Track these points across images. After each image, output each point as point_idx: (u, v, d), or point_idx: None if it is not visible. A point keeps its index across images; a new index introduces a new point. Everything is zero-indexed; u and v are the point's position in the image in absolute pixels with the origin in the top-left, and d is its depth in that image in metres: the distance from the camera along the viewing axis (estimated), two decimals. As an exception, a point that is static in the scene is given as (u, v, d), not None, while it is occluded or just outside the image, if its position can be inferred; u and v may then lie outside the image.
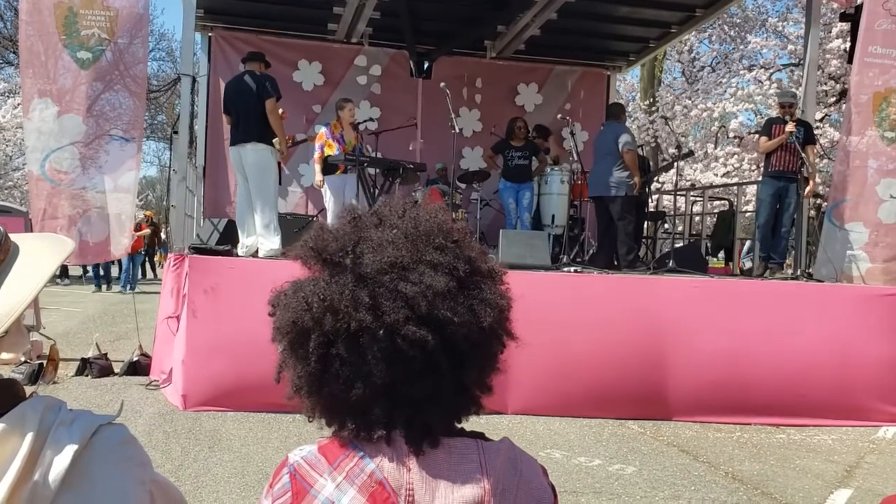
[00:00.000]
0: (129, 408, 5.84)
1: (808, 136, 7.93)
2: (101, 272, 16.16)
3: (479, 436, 1.13)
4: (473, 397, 1.15)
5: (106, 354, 7.09)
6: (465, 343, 1.07)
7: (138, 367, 6.98)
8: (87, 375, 6.77)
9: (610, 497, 4.35)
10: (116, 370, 6.96)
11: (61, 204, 6.85)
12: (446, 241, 1.10)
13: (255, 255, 7.07)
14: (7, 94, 24.61)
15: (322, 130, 8.47)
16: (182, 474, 4.37)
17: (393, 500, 1.03)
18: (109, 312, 11.91)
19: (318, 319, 1.03)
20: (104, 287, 16.12)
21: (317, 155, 8.26)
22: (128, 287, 14.70)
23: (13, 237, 1.13)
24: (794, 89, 9.11)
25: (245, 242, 7.13)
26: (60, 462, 0.96)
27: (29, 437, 0.96)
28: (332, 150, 8.10)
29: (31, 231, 6.88)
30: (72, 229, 6.78)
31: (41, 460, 0.96)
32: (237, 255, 6.99)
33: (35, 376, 6.30)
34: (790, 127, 7.72)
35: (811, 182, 7.98)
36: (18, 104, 19.93)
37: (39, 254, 1.12)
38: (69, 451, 0.97)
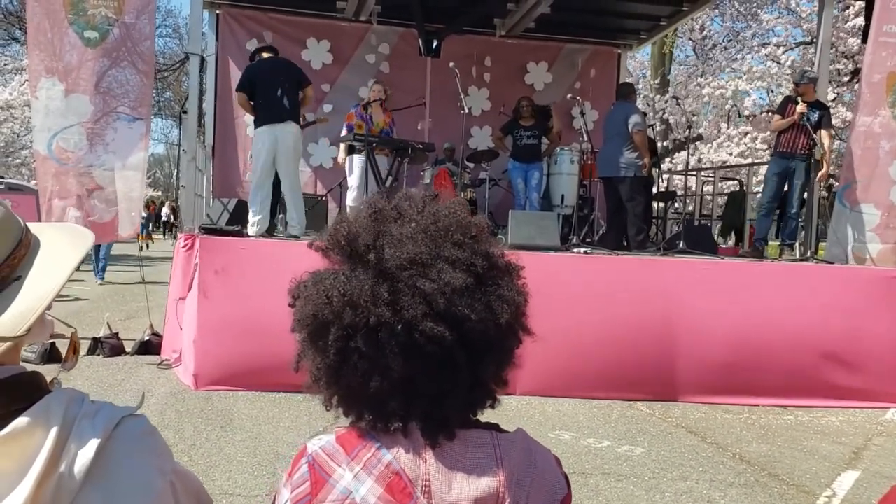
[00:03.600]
0: (142, 387, 5.89)
1: (823, 119, 7.87)
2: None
3: (494, 427, 1.15)
4: (489, 391, 1.16)
5: (117, 334, 7.13)
6: (481, 339, 1.08)
7: (149, 347, 7.03)
8: (98, 355, 6.82)
9: (618, 478, 4.38)
10: (128, 349, 7.01)
11: (69, 182, 6.86)
12: (465, 236, 1.11)
13: (266, 233, 7.12)
14: (14, 71, 24.57)
15: (352, 111, 8.58)
16: (195, 454, 4.42)
17: (410, 490, 1.04)
18: (120, 291, 11.97)
19: (337, 313, 1.04)
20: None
21: (343, 133, 8.34)
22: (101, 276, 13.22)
23: (32, 228, 1.14)
24: (808, 68, 9.00)
25: (253, 220, 7.15)
26: (85, 454, 0.97)
27: (54, 430, 0.97)
28: (362, 131, 8.22)
29: (41, 209, 6.93)
30: (80, 209, 6.80)
31: (66, 453, 0.97)
32: (248, 235, 7.01)
33: (47, 356, 6.36)
34: (801, 108, 7.67)
35: (825, 166, 7.94)
36: (25, 82, 19.93)
37: (61, 247, 1.13)
38: (93, 443, 0.98)
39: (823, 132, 7.85)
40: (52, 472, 0.96)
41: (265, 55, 7.55)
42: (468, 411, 1.14)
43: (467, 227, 1.13)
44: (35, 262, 1.09)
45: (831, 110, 8.51)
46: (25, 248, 1.09)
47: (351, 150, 8.24)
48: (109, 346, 6.89)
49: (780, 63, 16.72)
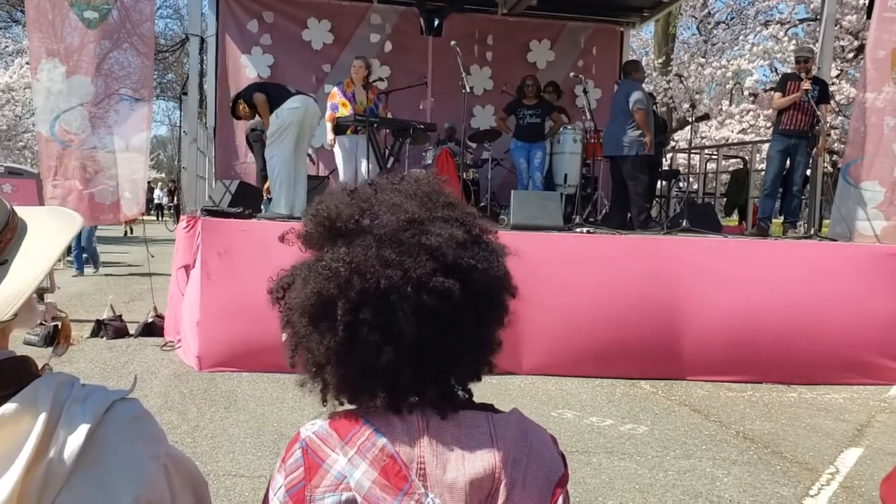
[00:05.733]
0: (146, 369, 5.91)
1: (822, 94, 7.82)
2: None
3: (489, 408, 1.14)
4: (490, 353, 1.16)
5: (121, 316, 7.15)
6: (485, 293, 1.09)
7: (153, 329, 7.05)
8: (102, 337, 6.84)
9: (622, 456, 4.39)
10: (131, 331, 7.03)
11: (71, 164, 6.85)
12: (448, 199, 1.14)
13: (254, 213, 7.11)
14: (15, 54, 24.50)
15: (334, 89, 8.42)
16: (198, 435, 4.43)
17: (405, 473, 1.03)
18: (123, 273, 11.99)
19: (344, 285, 1.03)
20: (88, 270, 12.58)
21: (328, 114, 8.20)
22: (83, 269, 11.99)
23: (20, 212, 1.13)
24: (811, 45, 8.94)
25: (290, 201, 7.20)
26: (75, 440, 0.96)
27: (42, 415, 0.96)
28: (347, 110, 8.06)
29: (43, 190, 6.92)
30: (83, 191, 6.79)
31: (55, 438, 0.96)
32: (277, 216, 6.99)
33: (50, 338, 6.36)
34: (806, 85, 7.61)
35: (821, 140, 7.90)
36: (26, 64, 19.88)
37: (48, 230, 1.11)
38: (83, 428, 0.97)
39: (823, 106, 7.81)
40: (42, 458, 0.94)
41: None
42: (474, 375, 1.15)
43: (446, 193, 1.16)
44: (21, 246, 1.07)
45: (834, 87, 8.44)
46: (11, 232, 1.07)
47: (338, 131, 8.12)
48: (113, 329, 6.91)
49: (782, 41, 16.57)
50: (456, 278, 1.04)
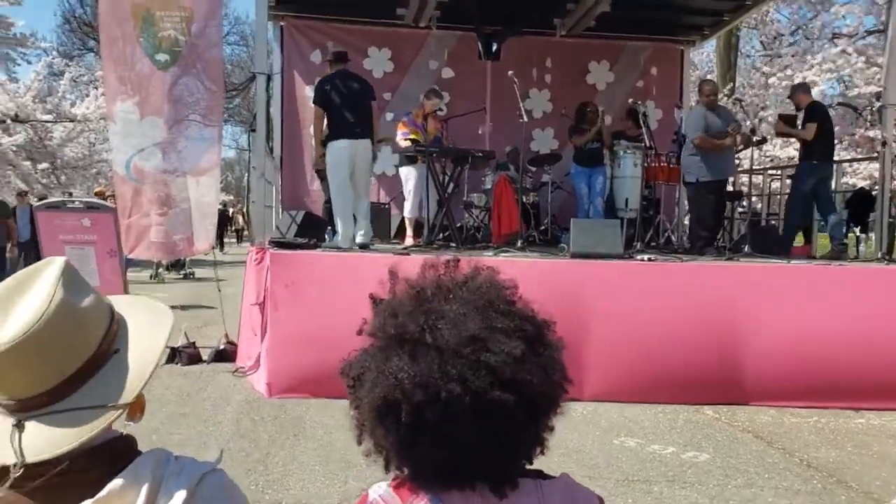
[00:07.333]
0: (219, 395, 6.15)
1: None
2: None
3: (538, 474, 1.24)
4: (543, 440, 1.25)
5: (194, 343, 7.44)
6: (540, 398, 1.18)
7: (224, 355, 7.32)
8: (177, 363, 7.13)
9: (683, 485, 4.41)
10: (204, 357, 7.31)
11: (146, 199, 7.12)
12: (507, 304, 1.21)
13: (317, 244, 7.38)
14: (90, 83, 25.48)
15: (404, 118, 8.82)
16: (270, 462, 4.61)
17: None
18: (196, 298, 12.37)
19: (408, 394, 1.13)
20: None
21: (399, 139, 8.68)
22: None
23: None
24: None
25: (348, 234, 7.45)
26: None
27: (144, 489, 1.10)
28: (420, 138, 8.41)
29: (119, 228, 7.23)
30: (159, 226, 7.08)
31: None
32: (335, 247, 7.26)
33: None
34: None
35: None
36: (101, 96, 20.70)
37: (143, 319, 1.27)
38: (179, 500, 1.11)
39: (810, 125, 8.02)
40: None
41: (336, 66, 7.74)
42: (526, 462, 1.24)
43: (506, 294, 1.22)
44: (129, 335, 1.23)
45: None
46: (117, 324, 1.23)
47: (405, 161, 8.40)
48: (187, 355, 7.20)
49: (851, 55, 16.16)
50: (512, 391, 1.12)
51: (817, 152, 8.07)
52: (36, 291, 1.14)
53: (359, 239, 7.50)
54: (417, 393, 1.12)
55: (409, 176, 8.60)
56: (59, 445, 1.10)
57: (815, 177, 8.07)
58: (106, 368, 1.18)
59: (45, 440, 1.11)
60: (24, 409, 1.13)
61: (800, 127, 8.11)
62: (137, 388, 1.17)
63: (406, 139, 8.54)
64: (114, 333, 1.21)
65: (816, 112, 8.16)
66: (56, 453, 1.10)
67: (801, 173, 8.29)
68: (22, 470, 1.08)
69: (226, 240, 30.72)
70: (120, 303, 1.29)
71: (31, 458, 1.09)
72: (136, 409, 1.26)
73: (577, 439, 5.17)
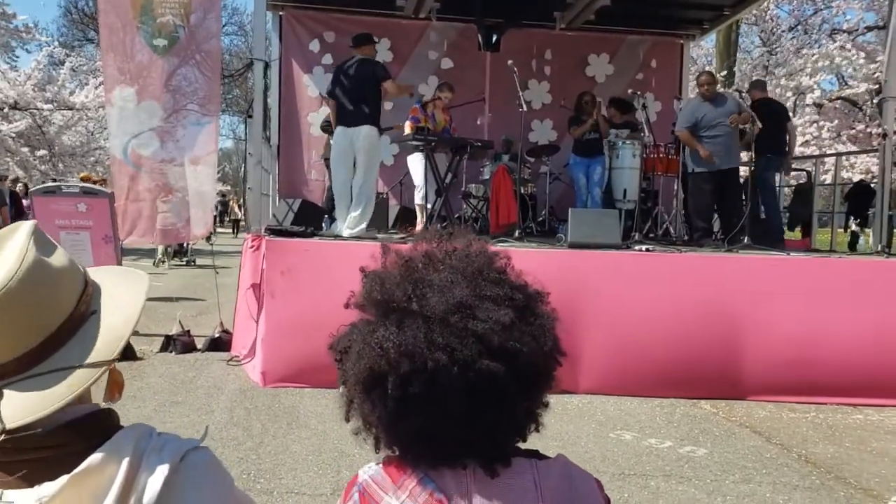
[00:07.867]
0: (212, 384, 6.10)
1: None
2: None
3: (534, 454, 1.19)
4: (536, 416, 1.21)
5: (189, 331, 7.39)
6: (531, 369, 1.13)
7: (219, 343, 7.27)
8: (171, 351, 7.08)
9: (679, 480, 4.37)
10: (198, 346, 7.26)
11: (143, 186, 7.12)
12: (497, 272, 1.17)
13: (314, 232, 7.33)
14: (89, 72, 25.48)
15: (416, 105, 8.90)
16: (262, 451, 4.57)
17: None
18: (191, 287, 12.32)
19: (394, 364, 1.09)
20: None
21: (409, 123, 8.75)
22: None
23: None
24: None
25: (350, 220, 7.41)
26: (153, 486, 1.07)
27: (124, 464, 1.06)
28: (429, 125, 8.54)
29: (115, 211, 7.20)
30: (155, 212, 7.05)
31: (136, 485, 1.06)
32: (333, 236, 7.21)
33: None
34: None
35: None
36: (99, 84, 20.70)
37: (118, 282, 1.24)
38: (161, 475, 1.07)
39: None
40: (124, 503, 1.05)
41: (358, 51, 7.69)
42: (520, 438, 1.20)
43: (496, 263, 1.19)
44: (102, 298, 1.19)
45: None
46: (92, 287, 1.19)
47: (413, 149, 8.42)
48: (181, 343, 7.15)
49: (850, 51, 16.12)
50: (501, 361, 1.09)
51: (769, 146, 8.34)
52: (7, 252, 1.10)
53: (345, 232, 7.40)
54: (403, 363, 1.08)
55: (417, 164, 8.63)
56: (44, 407, 1.06)
57: (773, 168, 8.46)
58: (84, 329, 1.14)
59: (28, 404, 1.07)
60: (2, 376, 1.09)
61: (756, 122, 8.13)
62: (119, 346, 1.13)
63: (417, 125, 8.54)
64: (89, 295, 1.17)
65: (764, 108, 8.43)
66: (39, 415, 1.06)
67: (761, 168, 8.52)
68: (3, 436, 1.04)
69: (219, 229, 30.72)
70: (93, 271, 1.25)
71: (11, 423, 1.04)
72: (115, 388, 1.23)
73: (573, 432, 5.13)
